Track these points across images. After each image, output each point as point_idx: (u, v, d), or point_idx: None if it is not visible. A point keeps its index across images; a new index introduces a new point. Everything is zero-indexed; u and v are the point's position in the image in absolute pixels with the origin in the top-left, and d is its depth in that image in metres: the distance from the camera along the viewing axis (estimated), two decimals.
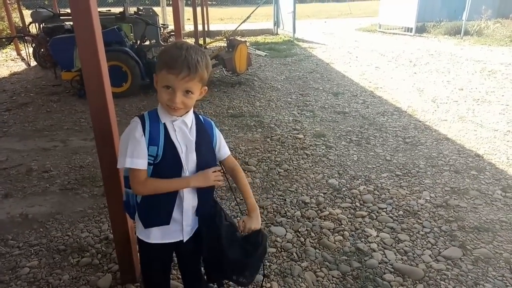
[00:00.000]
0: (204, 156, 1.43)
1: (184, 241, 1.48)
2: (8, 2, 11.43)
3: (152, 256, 1.54)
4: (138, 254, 2.25)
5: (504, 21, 12.83)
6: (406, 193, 3.09)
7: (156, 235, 1.45)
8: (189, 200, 1.43)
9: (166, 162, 1.35)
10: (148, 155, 1.32)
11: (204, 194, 1.47)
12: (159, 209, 1.41)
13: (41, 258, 2.37)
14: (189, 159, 1.39)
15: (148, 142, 1.31)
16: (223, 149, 1.53)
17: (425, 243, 2.47)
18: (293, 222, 2.73)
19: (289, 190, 3.18)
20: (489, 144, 4.03)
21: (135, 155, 1.30)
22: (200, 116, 1.47)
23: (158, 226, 1.44)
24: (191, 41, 11.63)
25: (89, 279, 2.18)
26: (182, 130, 1.37)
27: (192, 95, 1.31)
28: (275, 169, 3.56)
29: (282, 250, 2.44)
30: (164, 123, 1.35)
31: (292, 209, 2.90)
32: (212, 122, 1.52)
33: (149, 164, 1.33)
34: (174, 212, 1.42)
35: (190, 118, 1.40)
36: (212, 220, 1.48)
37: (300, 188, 3.22)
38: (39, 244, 2.51)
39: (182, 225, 1.45)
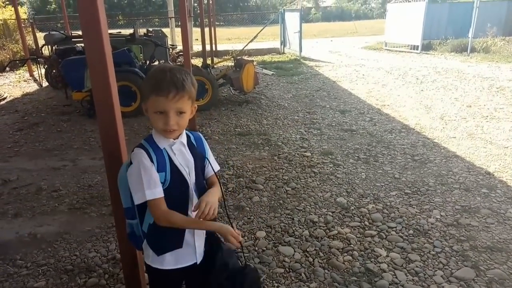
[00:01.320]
0: (199, 176, 1.43)
1: (198, 263, 1.46)
2: (23, 25, 11.79)
3: (163, 282, 1.49)
4: (146, 275, 2.24)
5: (510, 38, 12.85)
6: (416, 212, 3.04)
7: (170, 261, 1.42)
8: None
9: (174, 186, 1.34)
10: None
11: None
12: (170, 234, 1.39)
13: (48, 279, 2.36)
14: (193, 179, 1.40)
15: (157, 169, 1.30)
16: (213, 164, 1.48)
17: (436, 263, 2.42)
18: (301, 242, 2.70)
19: (297, 208, 3.16)
20: (500, 162, 3.97)
21: (152, 186, 1.27)
22: (186, 132, 1.43)
23: (171, 251, 1.41)
24: (199, 61, 11.82)
25: None
26: (182, 153, 1.38)
27: (184, 114, 1.31)
28: (282, 187, 3.54)
29: (290, 270, 2.40)
30: (164, 148, 1.35)
31: (300, 228, 2.87)
32: (201, 135, 1.51)
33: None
34: (186, 234, 1.40)
35: (184, 137, 1.40)
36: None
37: (308, 206, 3.19)
38: (47, 264, 2.51)
39: (195, 247, 1.43)
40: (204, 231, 1.47)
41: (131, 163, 1.34)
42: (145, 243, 1.44)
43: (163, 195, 1.30)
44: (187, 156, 1.39)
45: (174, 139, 1.35)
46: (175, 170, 1.34)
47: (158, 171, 1.30)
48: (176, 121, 1.28)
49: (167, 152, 1.34)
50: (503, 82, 8.02)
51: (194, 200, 1.40)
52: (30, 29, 12.79)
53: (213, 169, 1.48)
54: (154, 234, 1.40)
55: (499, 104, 6.28)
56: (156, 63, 8.73)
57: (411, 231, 2.77)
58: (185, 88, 1.26)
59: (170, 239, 1.40)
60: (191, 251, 1.43)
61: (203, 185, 1.44)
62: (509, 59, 10.93)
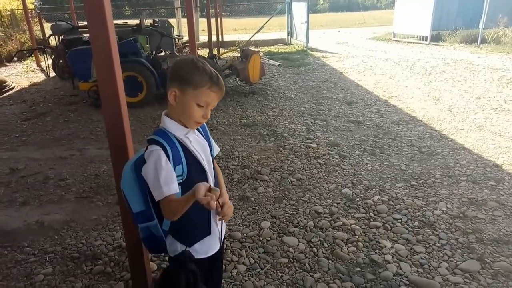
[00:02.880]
0: (211, 160, 1.46)
1: (218, 248, 1.49)
2: (30, 16, 11.82)
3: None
4: (152, 263, 2.26)
5: None
6: (422, 204, 3.03)
7: (201, 250, 1.43)
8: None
9: (193, 174, 1.35)
10: (176, 175, 1.30)
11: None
12: (199, 222, 1.40)
13: (55, 266, 2.40)
14: (210, 163, 1.43)
15: (173, 163, 1.30)
16: (214, 147, 1.53)
17: (441, 255, 2.41)
18: (305, 232, 2.70)
19: (302, 199, 3.16)
20: (508, 154, 3.92)
21: (168, 182, 1.27)
22: None
23: (202, 239, 1.42)
24: (205, 51, 11.78)
25: (101, 287, 2.20)
26: (196, 139, 1.40)
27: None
28: (287, 178, 3.54)
29: (295, 260, 2.41)
30: (178, 139, 1.34)
31: (305, 219, 2.87)
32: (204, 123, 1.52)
33: (178, 184, 1.30)
34: (211, 221, 1.43)
35: None
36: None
37: (313, 197, 3.19)
38: (54, 252, 2.54)
39: (219, 232, 1.45)
40: None
41: (144, 161, 1.31)
42: (171, 239, 1.43)
43: (177, 191, 1.29)
44: (202, 142, 1.42)
45: (187, 128, 1.37)
46: (191, 158, 1.35)
47: (175, 164, 1.30)
48: (209, 115, 1.35)
49: (181, 142, 1.34)
50: None
51: (212, 184, 1.41)
52: (37, 19, 12.83)
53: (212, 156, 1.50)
54: (181, 226, 1.38)
55: (509, 96, 6.18)
56: (162, 53, 8.72)
57: (416, 223, 2.76)
58: (224, 89, 1.36)
59: (199, 227, 1.41)
60: (217, 237, 1.45)
61: (213, 169, 1.48)
62: None
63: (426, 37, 13.72)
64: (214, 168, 1.50)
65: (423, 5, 13.68)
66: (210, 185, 1.17)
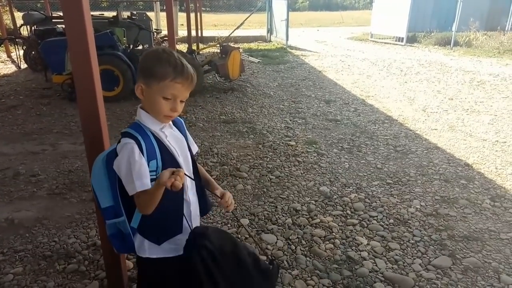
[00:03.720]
0: (188, 156, 1.42)
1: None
2: (0, 4, 11.31)
3: (163, 271, 1.42)
4: (127, 261, 2.22)
5: (491, 33, 13.10)
6: (397, 202, 3.10)
7: (171, 249, 1.38)
8: (195, 204, 1.41)
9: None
10: (150, 170, 1.27)
11: (202, 191, 1.46)
12: (169, 219, 1.36)
13: (26, 265, 2.31)
14: (187, 160, 1.39)
15: (147, 158, 1.26)
16: (192, 145, 1.49)
17: (415, 252, 2.48)
18: (284, 230, 2.71)
19: (280, 197, 3.17)
20: (478, 154, 4.08)
21: (141, 177, 1.23)
22: None
23: (172, 237, 1.38)
24: (184, 46, 11.62)
25: (75, 286, 2.14)
26: (172, 134, 1.37)
27: (183, 102, 1.31)
28: (266, 175, 3.55)
29: (273, 258, 2.42)
30: (153, 133, 1.31)
31: (283, 216, 2.89)
32: (180, 119, 1.49)
33: (152, 180, 1.26)
34: (184, 219, 1.38)
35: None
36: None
37: (292, 195, 3.21)
38: (25, 250, 2.45)
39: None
40: (198, 215, 1.46)
41: (116, 155, 1.28)
42: (139, 238, 1.38)
43: (150, 186, 1.25)
44: (178, 136, 1.39)
45: (163, 123, 1.34)
46: (166, 153, 1.32)
47: (149, 159, 1.27)
48: (179, 108, 1.30)
49: (156, 137, 1.31)
50: (484, 76, 8.18)
51: (188, 181, 1.38)
52: (8, 8, 12.29)
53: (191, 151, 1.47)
54: (150, 224, 1.35)
55: (479, 98, 6.42)
56: (140, 47, 8.54)
57: (391, 220, 2.83)
58: (194, 78, 1.29)
59: (169, 224, 1.37)
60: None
61: (192, 165, 1.43)
62: (489, 54, 11.15)
63: (402, 38, 14.05)
64: (195, 167, 1.46)
65: (400, 7, 13.99)
66: (173, 169, 1.16)
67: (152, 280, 1.48)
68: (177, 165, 1.34)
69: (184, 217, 1.38)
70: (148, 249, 1.38)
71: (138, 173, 1.23)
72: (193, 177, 1.36)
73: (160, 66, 1.24)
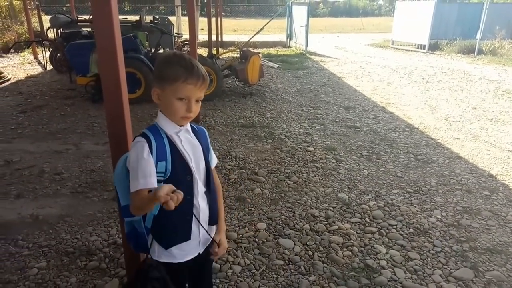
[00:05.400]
0: (204, 164, 1.40)
1: (200, 253, 1.45)
2: (28, 7, 11.72)
3: (172, 276, 1.42)
4: None
5: None
6: (417, 211, 3.05)
7: (179, 254, 1.40)
8: (205, 211, 1.41)
9: (177, 176, 1.31)
10: (157, 172, 1.27)
11: (213, 201, 1.46)
12: (179, 225, 1.37)
13: (49, 260, 2.38)
14: (200, 167, 1.38)
15: (156, 158, 1.27)
16: (212, 159, 1.48)
17: (435, 262, 2.43)
18: (301, 235, 2.70)
19: (298, 202, 3.17)
20: (503, 165, 3.97)
21: (146, 175, 1.24)
22: (190, 124, 1.41)
23: (180, 243, 1.39)
24: (204, 50, 11.75)
25: (96, 283, 2.18)
26: (188, 139, 1.37)
27: (200, 102, 1.32)
28: (284, 180, 3.55)
29: (290, 263, 2.41)
30: (168, 136, 1.32)
31: (301, 221, 2.88)
32: (204, 129, 1.49)
33: (159, 181, 1.27)
34: (193, 225, 1.38)
35: (188, 125, 1.39)
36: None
37: (309, 201, 3.20)
38: (48, 246, 2.52)
39: (200, 237, 1.42)
40: (207, 221, 1.46)
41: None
42: (151, 239, 1.40)
43: (155, 186, 1.24)
44: (194, 142, 1.38)
45: (180, 126, 1.34)
46: (178, 157, 1.32)
47: (158, 159, 1.27)
48: (195, 108, 1.30)
49: (171, 140, 1.32)
50: (509, 85, 7.98)
51: (199, 188, 1.38)
52: (36, 11, 12.72)
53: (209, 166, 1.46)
54: (160, 227, 1.37)
55: (504, 107, 6.25)
56: (161, 51, 8.69)
57: (411, 230, 2.78)
58: (206, 78, 1.29)
59: (178, 231, 1.38)
60: (197, 242, 1.42)
61: (208, 174, 1.42)
62: None
63: (424, 46, 13.85)
64: (211, 179, 1.45)
65: (422, 14, 13.81)
66: (175, 188, 1.10)
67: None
68: (188, 171, 1.34)
69: (192, 222, 1.39)
70: (157, 252, 1.41)
71: (144, 171, 1.24)
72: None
73: (171, 69, 1.27)
